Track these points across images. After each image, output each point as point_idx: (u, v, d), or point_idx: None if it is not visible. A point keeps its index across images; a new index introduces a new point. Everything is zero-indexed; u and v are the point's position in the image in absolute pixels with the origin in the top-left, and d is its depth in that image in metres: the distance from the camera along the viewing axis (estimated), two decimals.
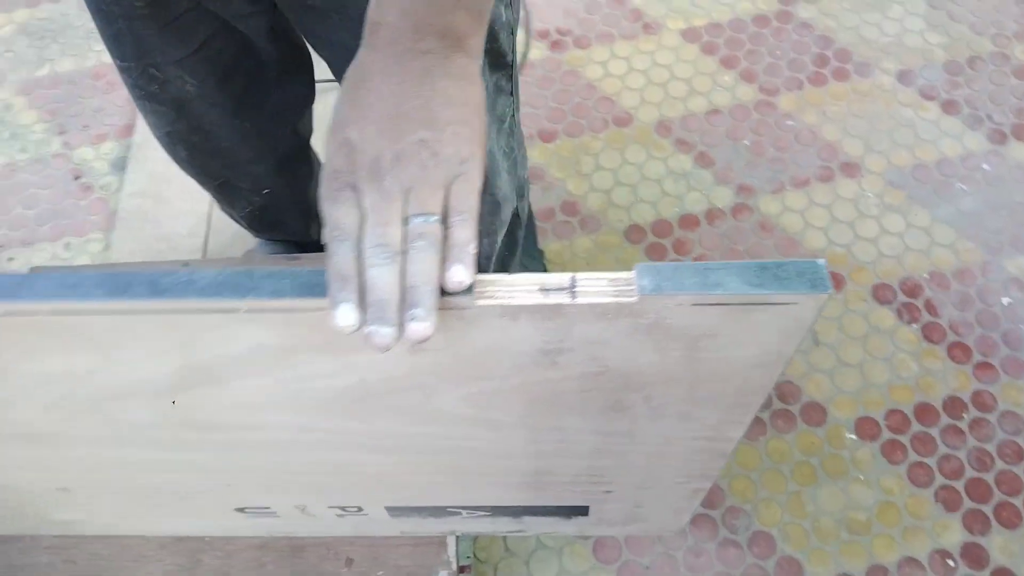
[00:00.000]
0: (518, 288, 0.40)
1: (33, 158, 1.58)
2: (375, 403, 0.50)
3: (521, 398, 0.50)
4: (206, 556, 0.83)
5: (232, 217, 1.19)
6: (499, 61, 0.78)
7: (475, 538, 1.18)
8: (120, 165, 1.55)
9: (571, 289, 0.40)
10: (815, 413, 1.30)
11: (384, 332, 0.38)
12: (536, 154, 1.57)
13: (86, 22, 1.18)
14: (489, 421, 0.53)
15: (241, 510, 0.72)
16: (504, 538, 1.19)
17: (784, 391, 1.31)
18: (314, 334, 0.42)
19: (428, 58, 0.43)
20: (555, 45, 1.73)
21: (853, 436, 1.28)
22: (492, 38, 0.74)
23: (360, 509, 0.72)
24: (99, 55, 1.71)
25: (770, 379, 0.47)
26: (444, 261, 0.39)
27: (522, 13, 1.68)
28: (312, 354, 0.44)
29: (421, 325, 0.38)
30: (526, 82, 1.66)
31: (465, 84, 0.44)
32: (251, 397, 0.49)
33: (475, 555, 1.17)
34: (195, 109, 0.89)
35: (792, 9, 1.78)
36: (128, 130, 1.60)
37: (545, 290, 0.40)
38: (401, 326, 0.38)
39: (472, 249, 0.40)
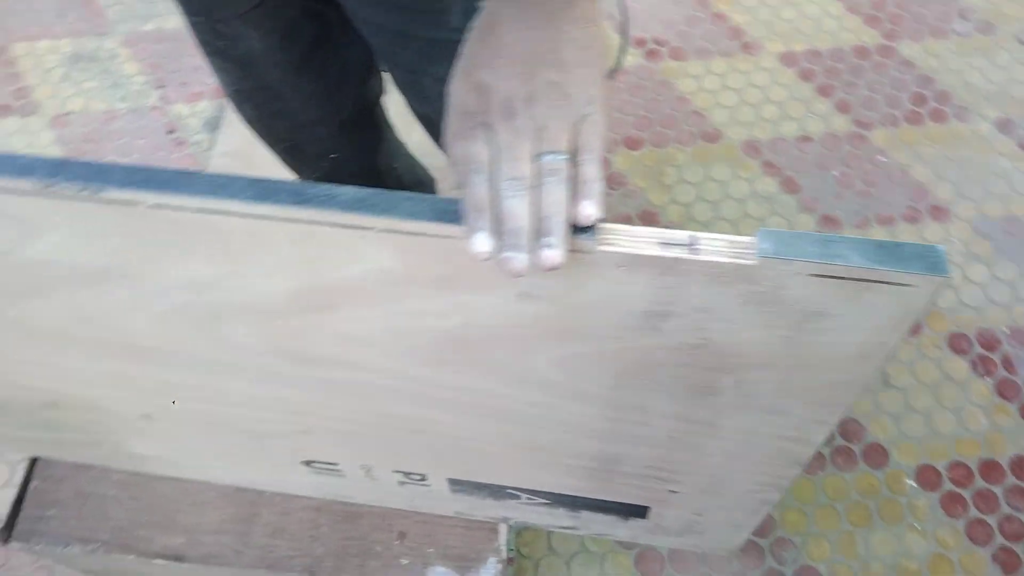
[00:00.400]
0: (639, 238, 0.41)
1: (131, 108, 1.63)
2: (471, 354, 0.51)
3: (613, 367, 0.50)
4: (263, 510, 0.84)
5: None
6: None
7: (520, 532, 1.17)
8: (213, 124, 1.58)
9: (691, 245, 0.40)
10: (877, 455, 1.27)
11: (519, 258, 0.40)
12: (619, 160, 1.57)
13: None
14: (575, 390, 0.53)
15: (308, 463, 0.73)
16: (549, 536, 1.18)
17: (848, 429, 1.29)
18: (436, 264, 0.43)
19: (553, 3, 0.45)
20: (651, 54, 1.72)
21: (913, 483, 1.25)
22: None
23: (423, 478, 0.73)
24: None
25: (866, 375, 0.47)
26: (574, 197, 0.41)
27: (620, 18, 1.68)
28: (426, 288, 0.45)
29: (554, 252, 0.40)
30: (617, 88, 1.66)
31: (589, 27, 0.46)
32: (356, 329, 0.50)
33: (518, 549, 1.17)
34: (260, 67, 0.91)
35: (895, 45, 1.74)
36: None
37: (665, 243, 0.40)
38: (533, 254, 0.40)
39: (599, 186, 0.42)
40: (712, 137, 1.61)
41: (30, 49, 1.77)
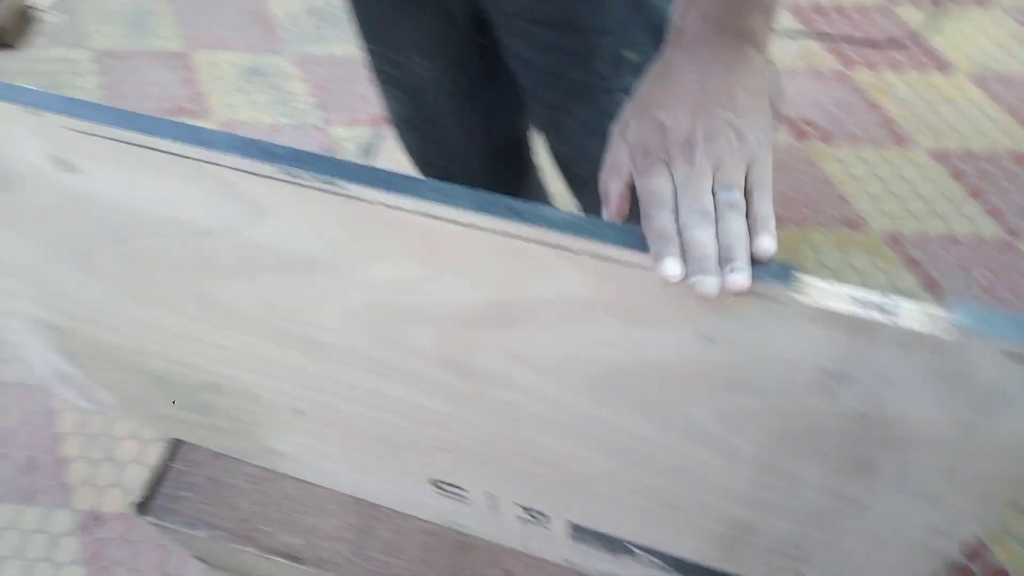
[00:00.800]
0: (832, 293, 0.40)
1: (294, 124, 1.72)
2: (634, 392, 0.51)
3: (775, 427, 0.49)
4: (379, 526, 0.86)
5: None
6: None
7: None
8: (368, 150, 1.65)
9: (887, 309, 0.39)
10: None
11: (710, 281, 0.41)
12: None
13: None
14: (729, 447, 0.52)
15: (436, 483, 0.73)
16: None
17: (971, 548, 1.21)
18: (624, 294, 0.44)
19: (728, 53, 0.49)
20: (800, 134, 1.71)
21: None
22: None
23: (544, 517, 0.72)
24: None
25: None
26: (750, 231, 0.43)
27: (772, 94, 1.68)
28: (608, 317, 0.46)
29: (741, 276, 0.41)
30: None
31: (759, 76, 0.49)
32: (529, 350, 0.51)
33: None
34: (427, 96, 0.95)
35: None
36: (382, 120, 1.70)
37: (859, 302, 0.40)
38: (721, 278, 0.42)
39: (772, 223, 0.44)
40: (855, 224, 1.58)
41: (210, 58, 1.90)
